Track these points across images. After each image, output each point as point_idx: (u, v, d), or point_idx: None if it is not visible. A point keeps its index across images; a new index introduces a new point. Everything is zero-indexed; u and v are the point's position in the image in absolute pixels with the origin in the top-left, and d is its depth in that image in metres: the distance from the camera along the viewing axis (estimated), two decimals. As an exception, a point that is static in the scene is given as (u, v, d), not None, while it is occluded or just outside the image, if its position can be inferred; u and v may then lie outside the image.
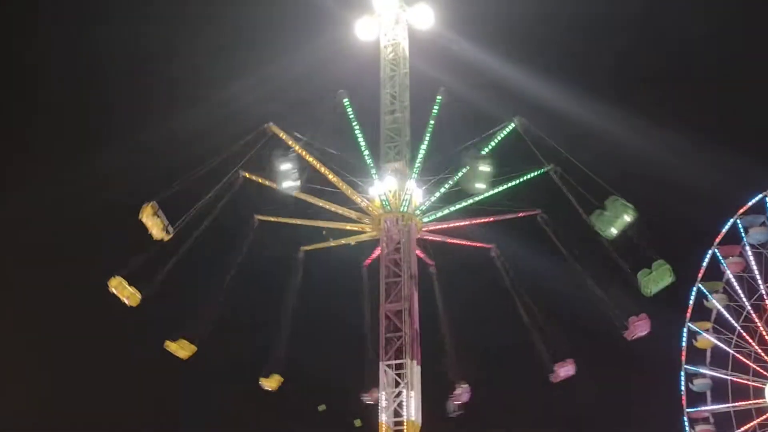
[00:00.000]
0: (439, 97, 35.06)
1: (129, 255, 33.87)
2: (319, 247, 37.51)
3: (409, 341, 32.06)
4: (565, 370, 35.40)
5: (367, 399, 35.98)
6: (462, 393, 36.32)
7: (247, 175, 34.90)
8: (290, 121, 35.30)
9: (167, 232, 33.12)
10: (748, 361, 50.34)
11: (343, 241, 36.72)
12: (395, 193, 34.55)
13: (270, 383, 37.70)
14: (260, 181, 35.00)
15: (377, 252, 35.57)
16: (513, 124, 34.46)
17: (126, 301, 33.66)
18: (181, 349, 34.85)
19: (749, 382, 49.81)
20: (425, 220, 35.23)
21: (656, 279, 31.91)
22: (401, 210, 34.41)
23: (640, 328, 32.93)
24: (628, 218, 31.35)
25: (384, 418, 31.42)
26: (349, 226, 35.69)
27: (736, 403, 49.89)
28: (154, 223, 32.84)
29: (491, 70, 37.36)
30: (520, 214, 35.78)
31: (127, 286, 33.40)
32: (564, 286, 36.22)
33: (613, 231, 31.55)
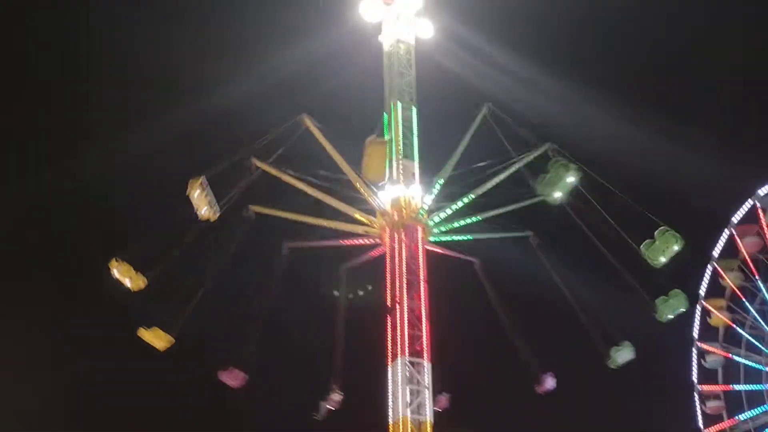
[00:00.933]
0: (483, 113, 35.25)
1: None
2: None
3: (426, 342, 32.75)
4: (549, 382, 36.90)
5: None
6: (335, 398, 36.44)
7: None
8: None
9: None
10: (761, 345, 50.49)
11: None
12: (407, 200, 34.75)
13: (153, 338, 34.08)
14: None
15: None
16: (545, 148, 34.20)
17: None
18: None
19: (763, 366, 50.12)
20: (435, 230, 35.61)
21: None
22: (419, 217, 34.72)
23: (548, 383, 36.41)
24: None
25: (409, 413, 31.34)
26: (354, 228, 35.55)
27: (749, 386, 50.30)
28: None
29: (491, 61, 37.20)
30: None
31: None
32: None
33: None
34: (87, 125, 55.43)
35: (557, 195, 32.53)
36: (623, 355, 35.22)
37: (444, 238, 36.25)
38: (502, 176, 34.87)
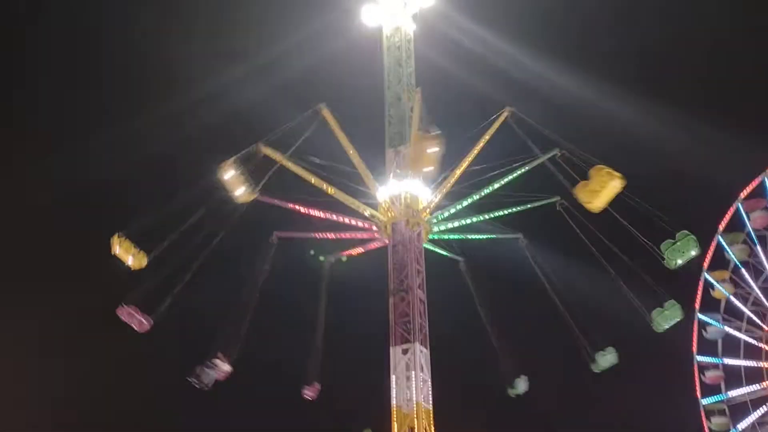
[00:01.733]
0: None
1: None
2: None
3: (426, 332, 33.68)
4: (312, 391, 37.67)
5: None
6: (223, 368, 34.89)
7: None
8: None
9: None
10: (762, 323, 50.81)
11: None
12: (401, 196, 34.95)
13: (125, 252, 32.19)
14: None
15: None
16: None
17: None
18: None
19: (763, 345, 50.59)
20: (434, 221, 35.95)
21: (681, 249, 34.12)
22: (421, 214, 34.95)
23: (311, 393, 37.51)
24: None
25: (421, 398, 32.04)
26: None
27: (748, 362, 50.88)
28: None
29: (493, 56, 37.21)
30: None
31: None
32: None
33: (679, 262, 34.19)
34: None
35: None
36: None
37: (443, 236, 36.81)
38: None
